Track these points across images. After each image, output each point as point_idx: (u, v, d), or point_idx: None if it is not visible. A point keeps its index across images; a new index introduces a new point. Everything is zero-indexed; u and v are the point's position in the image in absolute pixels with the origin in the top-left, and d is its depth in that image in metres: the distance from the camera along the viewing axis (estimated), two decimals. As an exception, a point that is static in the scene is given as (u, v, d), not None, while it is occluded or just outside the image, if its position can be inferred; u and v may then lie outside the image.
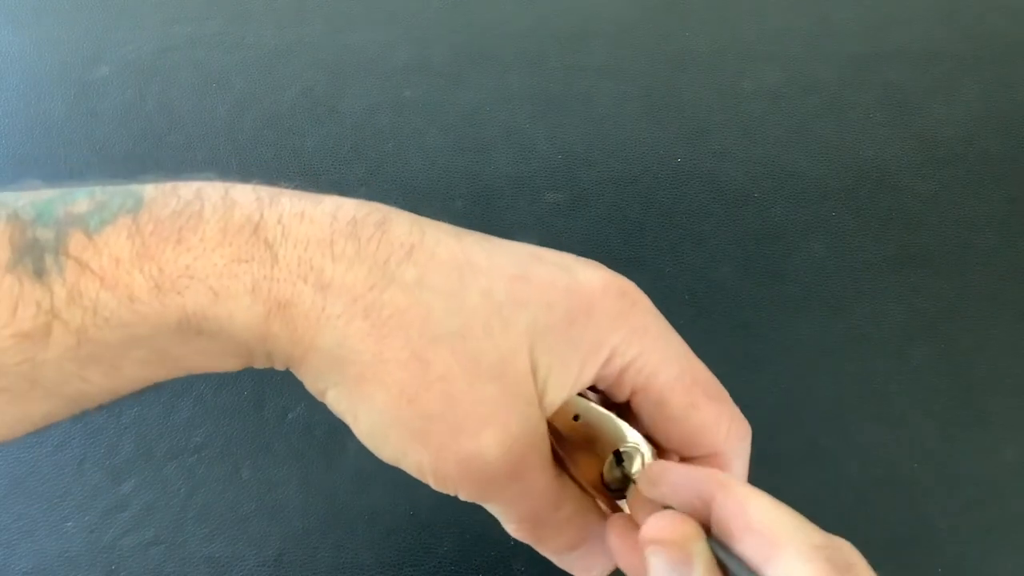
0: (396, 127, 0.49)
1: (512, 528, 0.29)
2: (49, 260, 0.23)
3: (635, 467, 0.28)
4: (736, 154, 0.49)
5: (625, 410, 0.29)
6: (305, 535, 0.43)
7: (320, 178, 0.48)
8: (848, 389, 0.46)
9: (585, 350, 0.27)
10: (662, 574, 0.23)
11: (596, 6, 0.51)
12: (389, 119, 0.49)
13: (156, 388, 0.26)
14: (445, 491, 0.27)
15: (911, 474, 0.45)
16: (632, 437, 0.29)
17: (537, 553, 0.30)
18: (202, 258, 0.24)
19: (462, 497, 0.27)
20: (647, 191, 0.48)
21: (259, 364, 0.26)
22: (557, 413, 0.27)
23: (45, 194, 0.24)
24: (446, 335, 0.25)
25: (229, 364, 0.26)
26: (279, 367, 0.27)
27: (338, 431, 0.44)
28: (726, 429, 0.28)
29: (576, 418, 0.28)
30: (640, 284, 0.28)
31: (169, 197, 0.25)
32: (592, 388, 0.29)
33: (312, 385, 0.27)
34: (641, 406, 0.28)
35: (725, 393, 0.29)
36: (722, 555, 0.23)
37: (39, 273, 0.23)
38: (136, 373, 0.25)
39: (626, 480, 0.29)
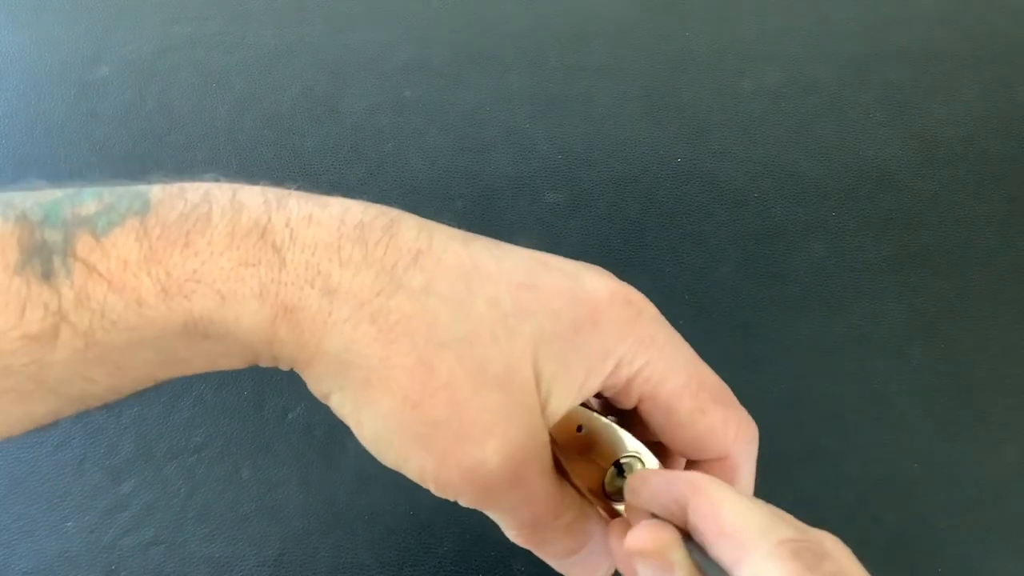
0: (396, 127, 0.49)
1: (512, 534, 0.29)
2: (57, 262, 0.23)
3: None
4: (736, 154, 0.49)
5: (632, 415, 0.29)
6: (305, 535, 0.43)
7: (320, 178, 0.48)
8: (848, 389, 0.46)
9: (591, 359, 0.27)
10: None
11: (596, 6, 0.51)
12: (389, 119, 0.49)
13: (156, 388, 0.26)
14: (446, 497, 0.27)
15: (911, 474, 0.45)
16: (633, 447, 0.29)
17: (537, 554, 0.30)
18: (209, 262, 0.24)
19: (463, 503, 0.27)
20: (647, 191, 0.48)
21: (264, 364, 0.26)
22: (560, 423, 0.27)
23: (51, 195, 0.24)
24: (452, 342, 0.25)
25: (234, 365, 0.26)
26: (284, 368, 0.27)
27: (338, 431, 0.44)
28: (734, 433, 0.28)
29: (579, 429, 0.28)
30: (640, 284, 0.28)
31: (176, 199, 0.24)
32: (599, 395, 0.29)
33: (316, 388, 0.27)
34: (649, 413, 0.28)
35: (732, 397, 0.29)
36: (699, 559, 0.23)
37: (47, 275, 0.23)
38: (141, 373, 0.25)
39: None
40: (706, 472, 0.28)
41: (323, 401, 0.27)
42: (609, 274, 0.28)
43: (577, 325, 0.26)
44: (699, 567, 0.23)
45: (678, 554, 0.23)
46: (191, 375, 0.26)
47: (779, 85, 0.50)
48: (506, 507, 0.27)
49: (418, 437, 0.25)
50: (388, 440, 0.26)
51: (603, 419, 0.29)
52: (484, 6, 0.51)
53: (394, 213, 0.27)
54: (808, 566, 0.20)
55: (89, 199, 0.24)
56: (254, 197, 0.25)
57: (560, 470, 0.29)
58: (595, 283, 0.27)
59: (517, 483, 0.26)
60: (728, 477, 0.29)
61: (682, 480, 0.24)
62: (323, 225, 0.25)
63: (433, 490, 0.26)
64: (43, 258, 0.23)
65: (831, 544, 0.22)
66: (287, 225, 0.25)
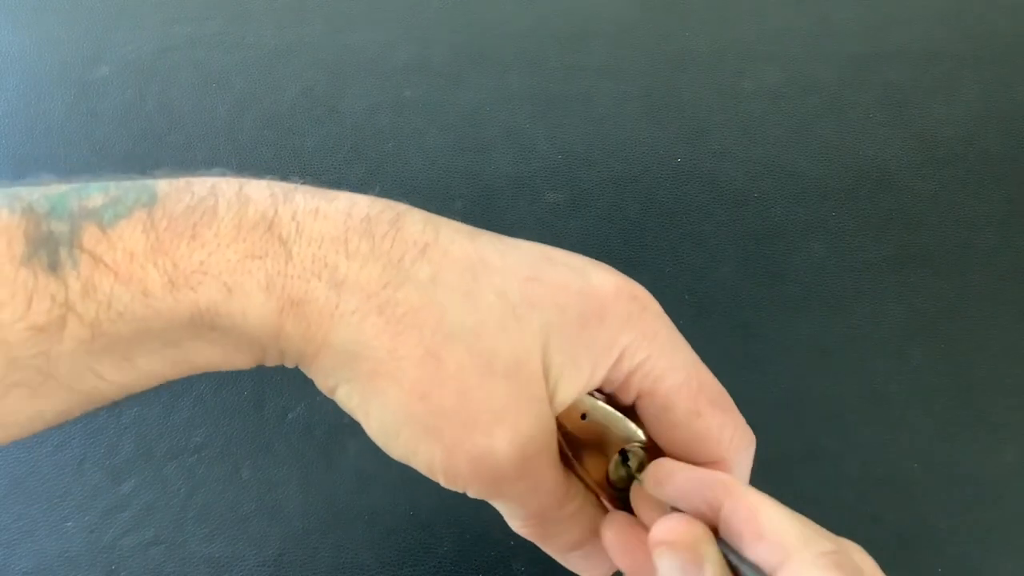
0: (396, 127, 0.49)
1: (518, 525, 0.29)
2: (64, 253, 0.23)
3: (640, 466, 0.28)
4: (736, 154, 0.49)
5: (630, 413, 0.29)
6: (305, 535, 0.43)
7: (320, 178, 0.47)
8: (848, 389, 0.46)
9: (597, 351, 0.27)
10: (671, 575, 0.23)
11: (596, 6, 0.51)
12: (389, 119, 0.49)
13: (156, 388, 0.26)
14: (455, 488, 0.27)
15: (911, 474, 0.45)
16: (638, 436, 0.29)
17: (537, 553, 0.30)
18: (216, 254, 0.24)
19: (471, 494, 0.27)
20: (647, 191, 0.48)
21: (271, 362, 0.26)
22: (565, 411, 0.28)
23: (58, 188, 0.24)
24: (461, 333, 0.25)
25: (241, 361, 0.26)
26: (289, 364, 0.27)
27: (338, 431, 0.44)
28: (729, 438, 0.28)
29: (583, 416, 0.28)
30: (640, 284, 0.29)
31: (183, 192, 0.25)
32: (598, 390, 0.29)
33: (323, 382, 0.27)
34: (646, 410, 0.28)
35: (731, 402, 0.29)
36: (733, 558, 0.23)
37: (53, 266, 0.23)
38: (149, 368, 0.25)
39: (631, 479, 0.29)
40: None
41: (329, 395, 0.27)
42: (613, 269, 0.28)
43: (583, 319, 0.27)
44: (730, 565, 0.23)
45: (710, 549, 0.23)
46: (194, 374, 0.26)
47: (779, 85, 0.50)
48: (513, 496, 0.27)
49: (426, 428, 0.25)
50: (396, 432, 0.26)
51: (608, 408, 0.29)
52: (484, 6, 0.51)
53: (400, 207, 0.27)
54: None
55: (95, 192, 0.24)
56: (260, 191, 0.25)
57: (565, 460, 0.29)
58: (601, 278, 0.27)
59: (525, 472, 0.26)
60: None
61: (716, 481, 0.24)
62: (330, 218, 0.25)
63: (442, 481, 0.26)
64: (49, 249, 0.23)
65: (859, 556, 0.22)
66: (293, 218, 0.25)
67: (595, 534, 0.29)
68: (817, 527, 0.23)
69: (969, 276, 0.47)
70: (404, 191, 0.48)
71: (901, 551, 0.44)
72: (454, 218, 0.28)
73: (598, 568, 0.30)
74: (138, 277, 0.23)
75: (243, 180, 0.26)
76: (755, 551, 0.22)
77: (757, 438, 0.30)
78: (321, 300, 0.25)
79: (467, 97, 0.49)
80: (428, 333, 0.25)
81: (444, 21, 0.51)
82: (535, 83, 0.50)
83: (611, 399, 0.29)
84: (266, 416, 0.44)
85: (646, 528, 0.27)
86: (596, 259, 0.29)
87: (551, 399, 0.27)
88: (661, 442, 0.29)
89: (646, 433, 0.29)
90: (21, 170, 0.48)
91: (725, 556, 0.23)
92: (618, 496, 0.29)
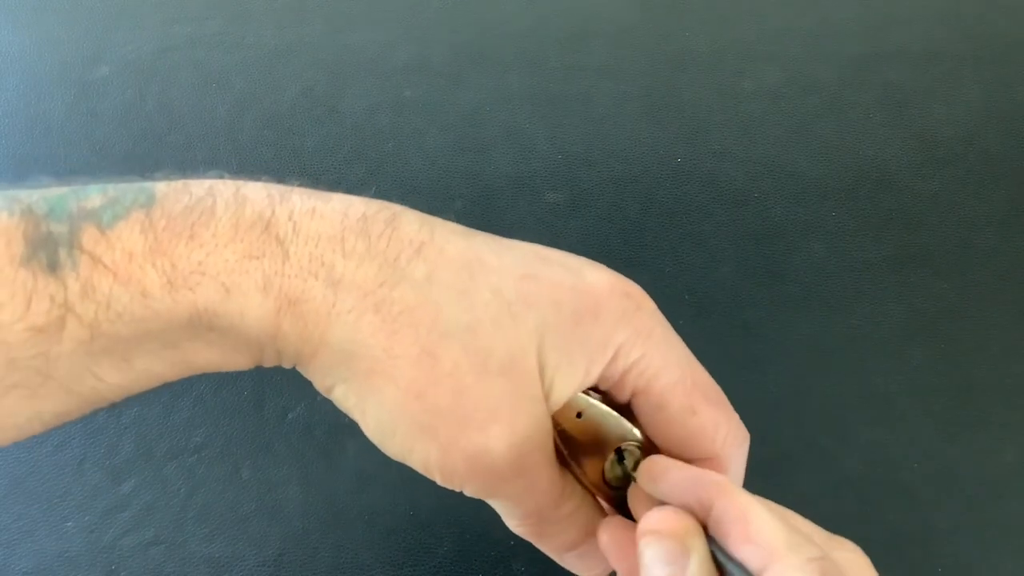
0: (396, 127, 0.49)
1: (514, 524, 0.29)
2: (63, 254, 0.23)
3: (636, 465, 0.28)
4: (736, 154, 0.49)
5: (626, 412, 0.29)
6: (305, 535, 0.43)
7: (320, 178, 0.48)
8: (848, 389, 0.46)
9: (592, 349, 0.27)
10: (654, 566, 0.24)
11: (596, 6, 0.51)
12: (389, 119, 0.49)
13: (156, 388, 0.26)
14: (451, 486, 0.27)
15: (911, 474, 0.45)
16: (633, 435, 0.29)
17: (537, 553, 0.30)
18: (214, 254, 0.24)
19: (467, 493, 0.27)
20: (647, 191, 0.48)
21: (268, 363, 0.27)
22: (561, 410, 0.28)
23: (56, 190, 0.24)
24: (456, 331, 0.25)
25: (239, 362, 0.26)
26: (287, 365, 0.27)
27: (338, 431, 0.44)
28: (723, 435, 0.29)
29: (579, 415, 0.28)
30: (640, 284, 0.29)
31: (181, 193, 0.25)
32: (594, 389, 0.29)
33: (320, 382, 0.27)
34: (641, 408, 0.29)
35: (725, 399, 0.29)
36: (720, 556, 0.23)
37: (53, 267, 0.23)
38: (147, 369, 0.25)
39: (627, 478, 0.29)
40: None
41: (326, 395, 0.27)
42: (607, 268, 0.28)
43: (578, 316, 0.27)
44: (715, 560, 0.23)
45: (698, 543, 0.24)
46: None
47: (779, 85, 0.50)
48: (510, 495, 0.27)
49: (423, 426, 0.25)
50: (392, 430, 0.26)
51: (603, 406, 0.29)
52: (484, 6, 0.51)
53: (396, 208, 0.27)
54: None
55: (94, 193, 0.24)
56: (257, 192, 0.25)
57: (561, 459, 0.29)
58: (595, 276, 0.28)
59: (521, 470, 0.26)
60: None
61: (710, 480, 0.25)
62: (326, 218, 0.25)
63: (438, 480, 0.26)
64: (49, 250, 0.23)
65: (853, 556, 0.23)
66: (290, 218, 0.25)
67: (592, 534, 0.29)
68: (808, 531, 0.23)
69: (969, 276, 0.47)
70: (404, 191, 0.48)
71: (901, 551, 0.44)
72: (454, 218, 0.28)
73: (595, 568, 0.30)
74: (137, 278, 0.23)
75: (240, 181, 0.26)
76: (742, 552, 0.22)
77: (756, 438, 0.30)
78: (318, 299, 0.25)
79: (467, 97, 0.49)
80: (424, 331, 0.25)
81: (444, 21, 0.51)
82: (535, 83, 0.50)
83: (606, 398, 0.29)
84: (266, 416, 0.44)
85: None
86: (596, 259, 0.29)
87: (547, 397, 0.27)
88: (656, 440, 0.29)
89: (642, 432, 0.29)
90: (21, 170, 0.48)
91: (712, 553, 0.23)
92: (614, 495, 0.29)
